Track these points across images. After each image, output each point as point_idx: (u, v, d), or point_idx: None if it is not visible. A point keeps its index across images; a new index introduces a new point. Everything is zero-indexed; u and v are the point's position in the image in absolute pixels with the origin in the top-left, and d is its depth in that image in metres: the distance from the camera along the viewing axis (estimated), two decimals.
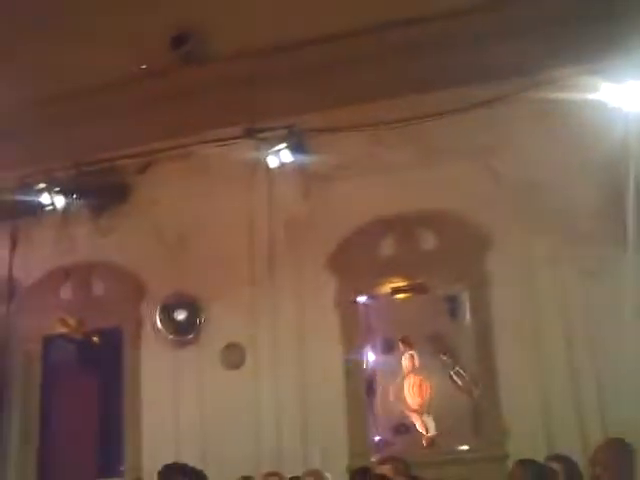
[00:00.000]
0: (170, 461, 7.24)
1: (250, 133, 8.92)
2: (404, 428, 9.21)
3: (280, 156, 8.72)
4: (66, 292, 9.96)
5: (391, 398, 9.21)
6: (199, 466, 6.81)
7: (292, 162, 8.75)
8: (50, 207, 9.49)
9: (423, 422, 9.00)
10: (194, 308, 9.23)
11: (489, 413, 8.29)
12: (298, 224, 9.01)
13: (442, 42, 8.35)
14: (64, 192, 9.43)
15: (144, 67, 9.02)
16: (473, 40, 8.26)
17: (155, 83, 9.09)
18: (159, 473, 7.09)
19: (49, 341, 10.00)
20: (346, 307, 8.90)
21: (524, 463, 5.22)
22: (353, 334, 8.86)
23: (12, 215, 9.71)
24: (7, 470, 9.33)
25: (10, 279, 9.65)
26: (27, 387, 9.68)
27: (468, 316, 8.78)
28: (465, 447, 8.45)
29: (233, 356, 8.97)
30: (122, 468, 9.32)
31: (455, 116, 8.24)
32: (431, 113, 8.37)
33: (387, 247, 9.03)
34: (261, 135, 8.89)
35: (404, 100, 8.60)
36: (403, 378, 9.16)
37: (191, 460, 7.06)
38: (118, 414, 9.47)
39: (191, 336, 9.20)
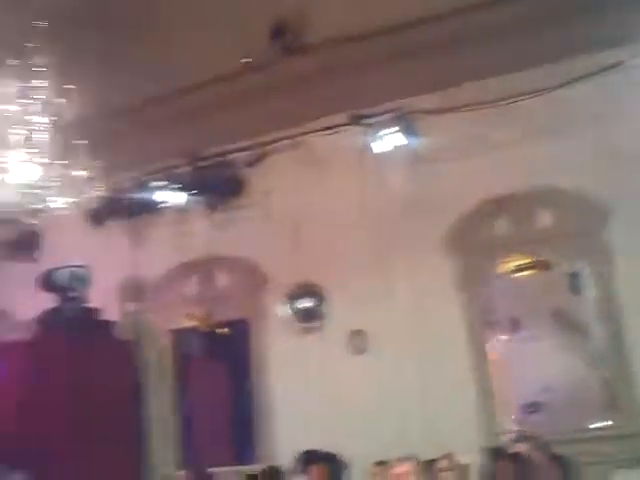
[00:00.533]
0: (301, 447, 7.47)
1: (356, 119, 8.97)
2: (536, 406, 9.20)
3: (388, 140, 8.73)
4: (190, 287, 10.24)
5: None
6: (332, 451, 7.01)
7: (400, 146, 8.74)
8: (167, 204, 9.78)
9: None
10: (318, 296, 9.38)
11: (622, 389, 8.15)
12: (410, 208, 8.95)
13: (545, 16, 8.23)
14: (180, 188, 9.69)
15: (248, 60, 9.14)
16: (576, 12, 8.10)
17: (261, 76, 9.21)
18: (298, 459, 7.31)
19: (179, 335, 10.33)
20: (466, 288, 8.86)
21: None
22: (475, 314, 8.82)
23: (132, 214, 10.04)
24: (151, 465, 9.66)
25: (137, 277, 10.04)
26: (161, 382, 9.97)
27: (593, 291, 8.60)
28: (599, 424, 8.37)
29: (358, 342, 9.06)
30: (257, 455, 9.48)
31: (563, 90, 8.09)
32: (537, 88, 8.24)
33: (503, 226, 8.97)
34: (367, 121, 8.94)
35: (509, 77, 8.50)
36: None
37: (323, 446, 7.28)
38: (249, 403, 9.66)
39: (316, 323, 9.37)
